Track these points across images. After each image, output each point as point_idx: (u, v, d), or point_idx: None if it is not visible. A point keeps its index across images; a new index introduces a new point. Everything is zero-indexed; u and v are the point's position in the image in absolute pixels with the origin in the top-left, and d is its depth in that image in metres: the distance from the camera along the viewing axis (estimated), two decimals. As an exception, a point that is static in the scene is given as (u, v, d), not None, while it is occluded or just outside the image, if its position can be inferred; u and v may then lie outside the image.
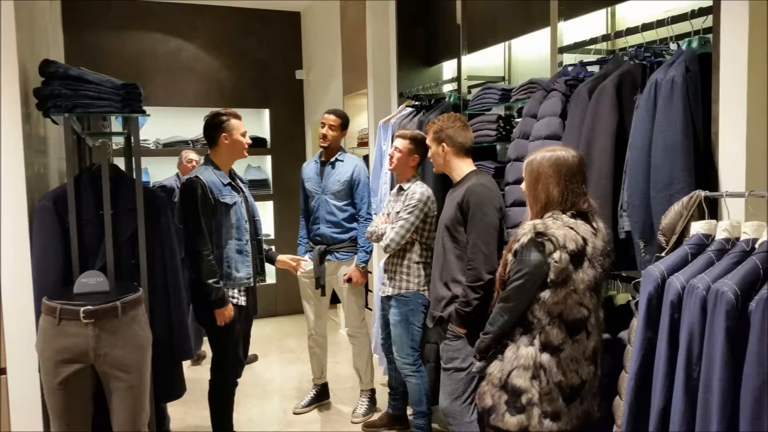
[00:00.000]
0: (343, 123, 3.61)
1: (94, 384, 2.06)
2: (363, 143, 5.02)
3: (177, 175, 4.56)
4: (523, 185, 2.11)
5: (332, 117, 3.58)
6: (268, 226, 5.85)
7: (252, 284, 3.01)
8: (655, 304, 1.62)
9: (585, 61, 2.51)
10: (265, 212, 5.80)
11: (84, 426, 2.06)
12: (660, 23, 2.17)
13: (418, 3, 4.08)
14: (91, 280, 2.13)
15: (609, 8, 2.73)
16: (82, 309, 1.96)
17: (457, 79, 3.52)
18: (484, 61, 3.66)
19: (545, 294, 1.92)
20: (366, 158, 4.55)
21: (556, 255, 1.89)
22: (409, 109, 3.81)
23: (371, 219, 3.50)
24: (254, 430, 3.48)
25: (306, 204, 3.70)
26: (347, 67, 5.13)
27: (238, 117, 2.99)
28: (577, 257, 1.90)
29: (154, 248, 2.35)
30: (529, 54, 3.39)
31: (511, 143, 2.69)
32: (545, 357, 1.94)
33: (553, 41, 2.68)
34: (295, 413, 3.70)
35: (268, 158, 6.12)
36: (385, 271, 3.13)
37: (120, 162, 2.69)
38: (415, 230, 2.98)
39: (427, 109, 3.64)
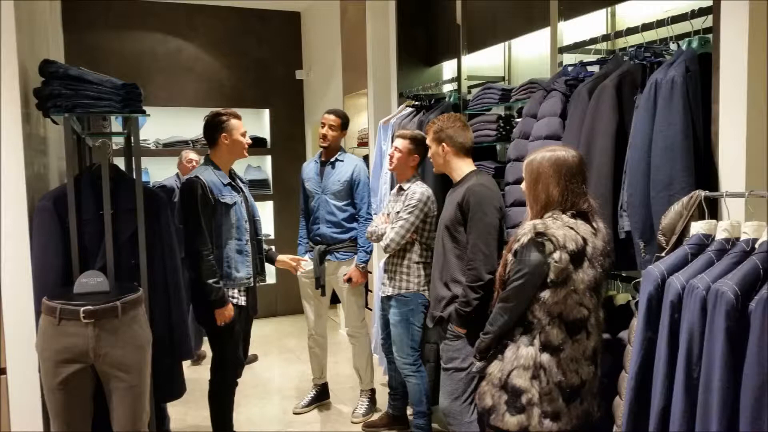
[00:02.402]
0: (343, 123, 3.61)
1: (94, 384, 2.06)
2: (363, 143, 5.02)
3: (177, 175, 4.56)
4: (523, 185, 2.11)
5: (332, 117, 3.58)
6: (268, 226, 5.85)
7: (252, 284, 3.01)
8: (655, 304, 1.62)
9: (585, 61, 2.51)
10: (265, 212, 5.80)
11: (84, 426, 2.06)
12: (660, 23, 2.17)
13: (418, 3, 4.08)
14: (91, 280, 2.13)
15: (609, 8, 2.73)
16: (82, 309, 1.96)
17: (457, 79, 3.52)
18: (484, 61, 3.66)
19: (545, 294, 1.92)
20: (366, 158, 4.55)
21: (556, 255, 1.89)
22: (409, 109, 3.81)
23: (371, 219, 3.50)
24: (254, 430, 3.48)
25: (306, 204, 3.70)
26: (347, 67, 5.13)
27: (238, 117, 2.99)
28: (577, 257, 1.90)
29: (154, 248, 2.35)
30: (529, 54, 3.39)
31: (511, 143, 2.69)
32: (545, 357, 1.94)
33: (553, 41, 2.68)
34: (295, 413, 3.70)
35: (268, 158, 6.12)
36: (385, 271, 3.13)
37: (120, 162, 2.69)
38: (415, 230, 2.98)
39: (427, 109, 3.64)
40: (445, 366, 2.67)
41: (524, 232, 1.96)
